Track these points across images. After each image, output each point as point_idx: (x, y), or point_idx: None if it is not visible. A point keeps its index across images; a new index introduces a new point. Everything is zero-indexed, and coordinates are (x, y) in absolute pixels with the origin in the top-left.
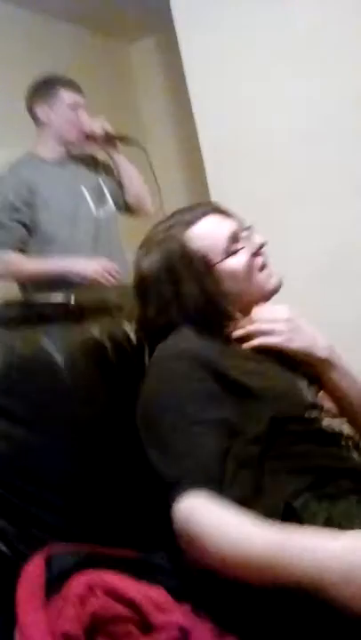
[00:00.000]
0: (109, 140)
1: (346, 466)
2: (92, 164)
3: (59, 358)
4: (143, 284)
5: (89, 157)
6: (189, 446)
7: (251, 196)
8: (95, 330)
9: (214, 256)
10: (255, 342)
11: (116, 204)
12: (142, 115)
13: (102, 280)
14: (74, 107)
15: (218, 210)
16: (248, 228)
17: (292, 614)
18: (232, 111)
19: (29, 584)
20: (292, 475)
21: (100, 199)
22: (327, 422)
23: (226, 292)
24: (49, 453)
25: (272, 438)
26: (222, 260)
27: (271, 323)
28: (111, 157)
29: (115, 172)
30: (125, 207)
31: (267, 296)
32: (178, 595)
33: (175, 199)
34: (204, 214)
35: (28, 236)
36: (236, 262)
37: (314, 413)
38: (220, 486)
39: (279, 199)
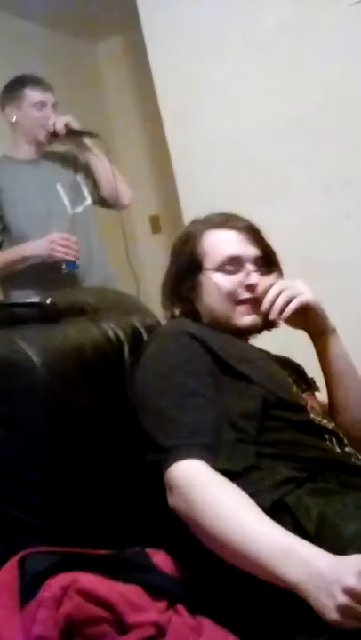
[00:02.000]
0: (73, 136)
1: (332, 457)
2: (70, 160)
3: (36, 359)
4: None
5: (66, 154)
6: (189, 416)
7: (219, 195)
8: (72, 330)
9: (208, 263)
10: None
11: (93, 199)
12: (109, 114)
13: (58, 254)
14: (39, 106)
15: (249, 230)
16: (258, 265)
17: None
18: (200, 110)
19: (3, 591)
20: (281, 461)
21: (77, 196)
22: (313, 416)
23: (198, 298)
24: (27, 454)
25: (263, 419)
26: (210, 271)
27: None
28: (82, 153)
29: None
30: (102, 202)
31: (232, 328)
32: (153, 590)
33: (143, 197)
34: (231, 228)
35: (1, 235)
36: (219, 281)
37: (302, 402)
38: (216, 458)
39: (248, 198)
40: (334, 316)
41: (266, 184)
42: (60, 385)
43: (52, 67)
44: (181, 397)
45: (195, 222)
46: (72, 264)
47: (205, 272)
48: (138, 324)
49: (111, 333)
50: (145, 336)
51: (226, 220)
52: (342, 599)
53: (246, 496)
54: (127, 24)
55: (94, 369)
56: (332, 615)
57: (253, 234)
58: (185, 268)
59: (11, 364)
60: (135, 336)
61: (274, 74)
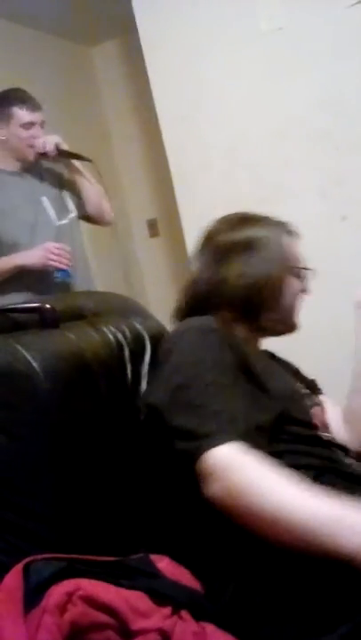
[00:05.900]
0: (62, 156)
1: (338, 468)
2: (55, 176)
3: (35, 365)
4: (221, 246)
5: (51, 170)
6: (225, 405)
7: (216, 198)
8: (72, 335)
9: (290, 270)
10: None
11: (78, 214)
12: (106, 118)
13: (52, 263)
14: (28, 125)
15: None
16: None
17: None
18: (196, 113)
19: (7, 598)
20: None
21: (61, 209)
22: (321, 431)
23: (276, 304)
24: (28, 461)
25: (275, 433)
26: (293, 272)
27: None
28: (70, 174)
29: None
30: (86, 218)
31: (290, 326)
32: (157, 596)
33: (140, 201)
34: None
35: None
36: (296, 284)
37: (313, 418)
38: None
39: (245, 200)
40: (331, 319)
41: (262, 186)
42: (60, 390)
43: (47, 71)
44: (215, 388)
45: (262, 223)
46: (64, 272)
47: (289, 272)
48: (139, 327)
49: (111, 337)
50: (147, 339)
51: (291, 228)
52: None
53: (292, 471)
54: (123, 27)
55: (95, 373)
56: None
57: None
58: (270, 274)
59: (10, 370)
60: (136, 339)
61: (270, 76)
